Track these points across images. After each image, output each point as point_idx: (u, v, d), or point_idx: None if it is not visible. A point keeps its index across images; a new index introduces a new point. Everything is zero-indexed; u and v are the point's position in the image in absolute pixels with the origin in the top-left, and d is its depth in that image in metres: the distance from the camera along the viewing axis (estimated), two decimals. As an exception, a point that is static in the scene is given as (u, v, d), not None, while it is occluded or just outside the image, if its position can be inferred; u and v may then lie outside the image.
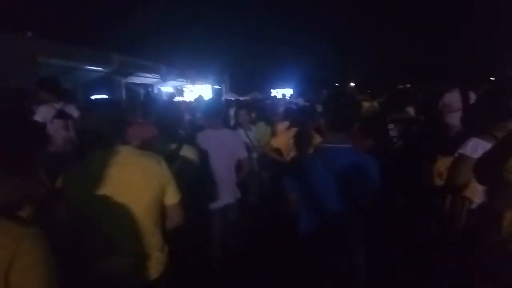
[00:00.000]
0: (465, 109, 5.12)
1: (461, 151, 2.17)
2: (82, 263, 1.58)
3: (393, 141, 3.77)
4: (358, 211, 1.95)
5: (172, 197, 1.71)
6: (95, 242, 1.61)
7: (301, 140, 3.57)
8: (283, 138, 4.07)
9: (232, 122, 5.89)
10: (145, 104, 5.58)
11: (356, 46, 36.47)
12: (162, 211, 1.70)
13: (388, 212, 3.41)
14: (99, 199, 1.54)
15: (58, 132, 4.22)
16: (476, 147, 2.09)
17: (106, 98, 8.64)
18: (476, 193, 2.08)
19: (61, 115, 4.31)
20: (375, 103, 4.06)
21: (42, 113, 4.30)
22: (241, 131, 4.50)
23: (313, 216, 1.95)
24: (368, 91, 10.26)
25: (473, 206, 2.13)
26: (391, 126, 3.90)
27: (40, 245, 0.94)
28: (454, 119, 5.09)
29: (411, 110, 4.85)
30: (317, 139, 3.54)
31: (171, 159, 2.26)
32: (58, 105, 4.37)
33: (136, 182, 1.58)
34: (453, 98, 5.28)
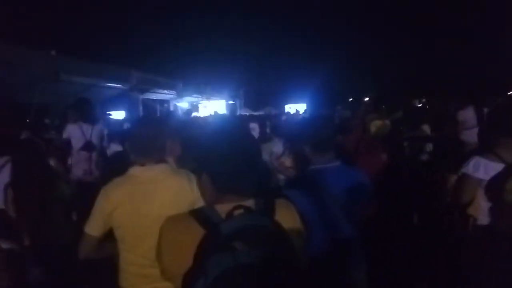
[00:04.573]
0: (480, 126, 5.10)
1: (463, 170, 2.20)
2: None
3: (408, 159, 3.80)
4: (356, 227, 1.99)
5: None
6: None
7: (298, 160, 3.56)
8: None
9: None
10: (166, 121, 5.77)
11: (371, 60, 36.49)
12: None
13: (402, 228, 3.42)
14: (132, 216, 1.64)
15: (79, 164, 4.51)
16: (478, 166, 2.12)
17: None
18: (480, 211, 2.10)
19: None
20: (387, 122, 4.11)
21: (68, 131, 4.58)
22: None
23: (314, 236, 1.98)
24: (383, 106, 10.24)
25: (478, 223, 2.15)
26: (406, 144, 3.94)
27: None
28: (469, 136, 5.06)
29: (426, 128, 4.86)
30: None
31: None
32: (86, 125, 4.65)
33: (167, 201, 1.66)
34: (467, 115, 5.27)
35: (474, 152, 2.31)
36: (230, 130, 1.26)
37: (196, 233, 1.07)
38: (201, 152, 1.22)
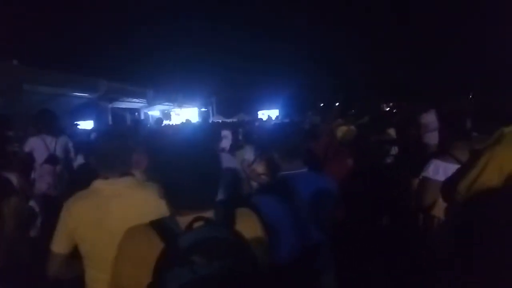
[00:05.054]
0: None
1: (424, 174, 2.31)
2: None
3: (374, 163, 3.92)
4: (324, 231, 2.03)
5: None
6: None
7: (270, 167, 3.60)
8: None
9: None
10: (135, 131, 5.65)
11: (342, 65, 37.30)
12: None
13: (372, 231, 3.52)
14: (95, 231, 1.61)
15: (43, 178, 4.34)
16: (437, 169, 2.23)
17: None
18: (443, 211, 2.20)
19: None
20: (352, 127, 4.26)
21: (31, 144, 4.40)
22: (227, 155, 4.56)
23: (284, 242, 2.01)
24: (353, 111, 10.49)
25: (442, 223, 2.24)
26: (373, 148, 4.07)
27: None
28: (431, 139, 5.29)
29: (392, 132, 5.04)
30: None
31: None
32: (49, 138, 4.49)
33: (131, 215, 1.63)
34: (429, 118, 5.51)
35: (433, 155, 2.42)
36: (188, 143, 1.26)
37: (155, 245, 1.07)
38: (157, 164, 1.23)
